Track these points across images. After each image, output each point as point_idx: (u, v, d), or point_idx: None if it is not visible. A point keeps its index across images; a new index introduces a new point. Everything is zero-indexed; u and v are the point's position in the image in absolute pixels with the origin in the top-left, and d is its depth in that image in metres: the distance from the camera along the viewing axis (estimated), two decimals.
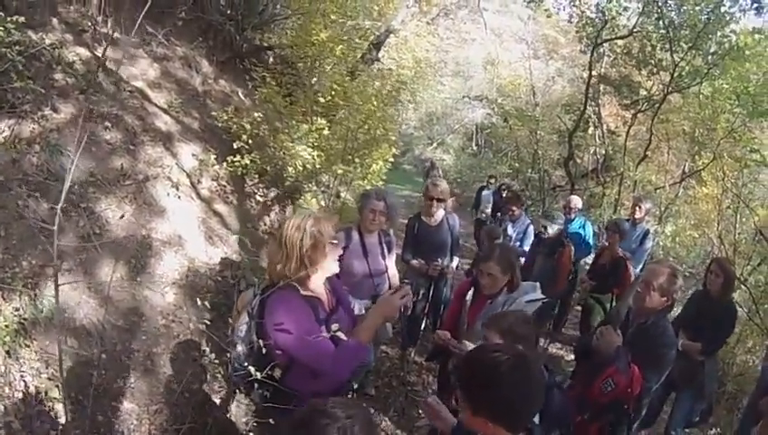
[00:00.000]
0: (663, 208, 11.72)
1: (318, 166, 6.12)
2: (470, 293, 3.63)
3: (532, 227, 6.84)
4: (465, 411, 1.92)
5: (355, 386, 4.62)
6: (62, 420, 3.13)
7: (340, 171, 6.29)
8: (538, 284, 3.54)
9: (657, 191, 12.17)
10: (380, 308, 2.54)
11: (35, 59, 4.51)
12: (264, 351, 2.38)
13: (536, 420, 2.52)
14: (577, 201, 7.28)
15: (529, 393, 1.84)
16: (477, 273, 3.56)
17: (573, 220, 6.98)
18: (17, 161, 3.90)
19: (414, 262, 5.09)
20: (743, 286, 7.57)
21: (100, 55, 5.33)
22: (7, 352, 3.16)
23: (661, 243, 10.38)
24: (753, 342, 7.03)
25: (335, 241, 2.57)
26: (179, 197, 5.08)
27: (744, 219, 9.25)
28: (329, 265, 2.57)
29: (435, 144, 29.88)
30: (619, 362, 2.97)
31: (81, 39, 5.37)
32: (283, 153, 6.06)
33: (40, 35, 4.79)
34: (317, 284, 2.58)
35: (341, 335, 2.36)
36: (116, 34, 5.84)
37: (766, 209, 9.83)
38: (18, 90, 4.11)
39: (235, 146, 5.84)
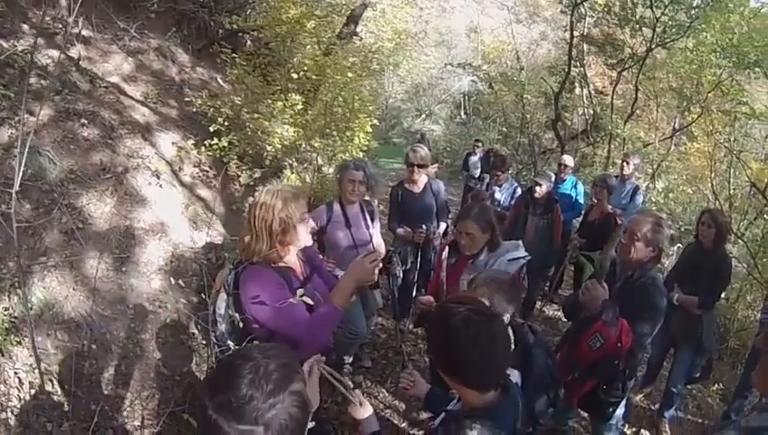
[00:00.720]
0: (655, 166, 11.70)
1: (297, 142, 6.11)
2: (445, 253, 3.61)
3: (519, 190, 6.81)
4: (455, 388, 1.89)
5: (350, 359, 4.70)
6: (58, 411, 3.17)
7: (317, 144, 6.30)
8: (520, 242, 3.52)
9: (648, 148, 12.14)
10: (351, 273, 2.51)
11: (8, 66, 4.51)
12: (242, 325, 2.40)
13: (518, 380, 2.51)
14: (569, 160, 7.25)
15: (486, 350, 1.74)
16: (456, 233, 3.54)
17: (565, 180, 6.99)
18: None
19: (400, 230, 5.12)
20: (740, 241, 7.59)
21: (72, 56, 5.32)
22: (0, 351, 3.18)
23: (653, 199, 10.38)
24: (753, 296, 7.05)
25: (305, 218, 2.57)
26: (161, 185, 5.08)
27: (737, 173, 9.25)
28: (300, 241, 2.59)
29: (423, 115, 29.78)
30: (606, 316, 2.92)
31: (53, 42, 5.35)
32: (260, 132, 6.04)
33: (11, 42, 4.79)
34: (289, 256, 2.60)
35: (308, 301, 2.36)
36: (88, 33, 5.83)
37: (759, 163, 9.81)
38: None
39: (212, 129, 5.84)
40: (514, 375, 2.43)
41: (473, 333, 1.74)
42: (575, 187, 7.01)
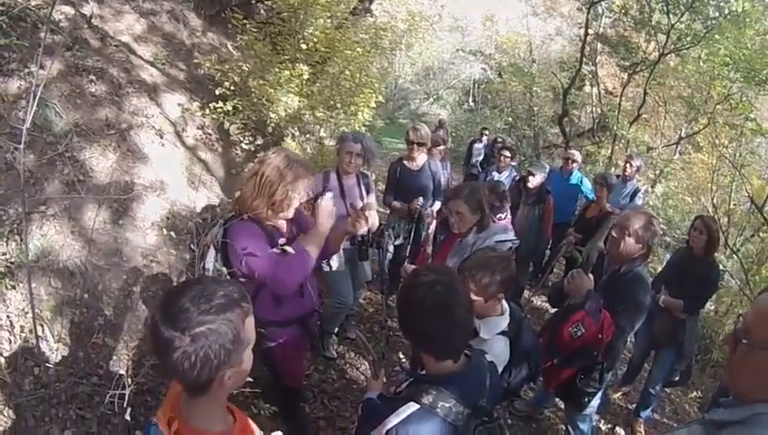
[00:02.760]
0: (657, 171, 11.71)
1: (301, 111, 6.16)
2: (432, 227, 3.67)
3: (518, 178, 6.83)
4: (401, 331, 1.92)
5: (335, 330, 4.77)
6: (46, 356, 3.24)
7: (319, 114, 6.36)
8: (509, 225, 3.57)
9: (651, 152, 12.15)
10: (320, 221, 2.61)
11: (21, 20, 4.50)
12: (228, 278, 2.47)
13: (507, 354, 2.58)
14: (577, 154, 7.24)
15: (441, 320, 1.78)
16: (446, 212, 3.58)
17: (572, 174, 7.00)
18: (3, 116, 3.93)
19: (395, 203, 5.19)
20: (735, 256, 7.62)
21: (85, 13, 5.35)
22: None
23: (651, 203, 10.40)
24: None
25: (303, 197, 2.66)
26: (163, 144, 5.12)
27: (738, 189, 9.25)
28: (288, 214, 2.68)
29: (431, 99, 29.77)
30: (589, 307, 2.97)
31: None
32: (265, 100, 6.07)
33: None
34: (276, 220, 2.69)
35: (288, 249, 2.46)
36: None
37: (761, 181, 9.81)
38: (4, 48, 4.14)
39: (217, 92, 5.88)
40: (500, 343, 2.51)
41: (430, 300, 1.78)
42: (581, 182, 7.02)
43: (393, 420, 1.74)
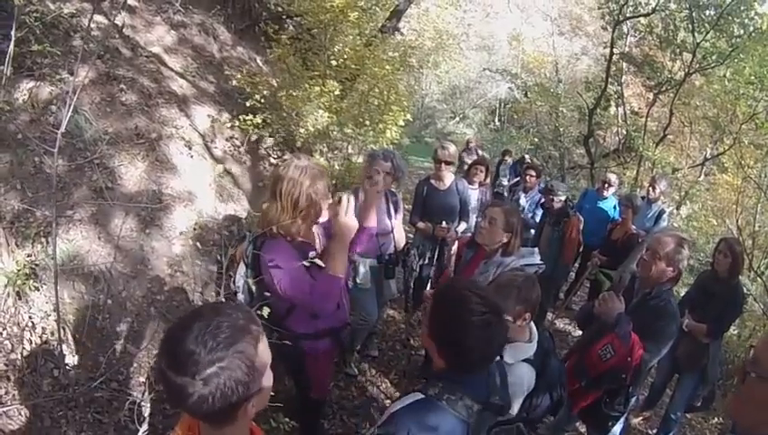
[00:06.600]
0: (682, 193, 11.56)
1: (330, 127, 6.18)
2: (455, 247, 3.63)
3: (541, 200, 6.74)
4: (432, 351, 1.87)
5: (358, 346, 4.74)
6: (66, 359, 3.26)
7: (348, 130, 6.35)
8: (536, 249, 3.52)
9: (676, 173, 12.01)
10: (339, 235, 2.54)
11: (54, 27, 4.59)
12: (254, 289, 2.47)
13: (532, 381, 2.53)
14: (614, 178, 7.08)
15: (489, 339, 1.76)
16: (481, 217, 3.54)
17: (606, 198, 6.82)
18: (35, 121, 4.00)
19: (420, 224, 5.14)
20: (759, 279, 7.48)
21: (117, 23, 5.43)
22: (18, 294, 3.28)
23: (676, 224, 10.25)
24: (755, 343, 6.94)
25: (327, 195, 2.63)
26: (192, 156, 5.15)
27: (763, 210, 9.10)
28: (320, 217, 2.65)
29: (457, 118, 29.81)
30: (619, 329, 2.92)
31: (99, 7, 5.41)
32: (294, 114, 6.08)
33: (58, 5, 4.87)
34: (308, 231, 2.67)
35: (318, 262, 2.45)
36: (133, 3, 5.95)
37: None
38: (37, 54, 4.18)
39: (248, 104, 5.90)
40: (524, 369, 2.48)
41: (482, 320, 1.74)
42: (614, 208, 6.80)
43: (396, 406, 1.78)
